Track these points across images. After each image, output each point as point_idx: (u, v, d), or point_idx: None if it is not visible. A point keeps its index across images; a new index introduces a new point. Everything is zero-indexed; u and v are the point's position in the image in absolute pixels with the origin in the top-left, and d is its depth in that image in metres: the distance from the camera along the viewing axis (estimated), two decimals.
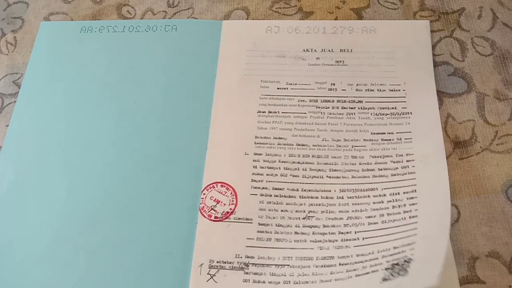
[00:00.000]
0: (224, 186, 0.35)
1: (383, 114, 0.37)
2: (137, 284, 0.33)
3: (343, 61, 0.39)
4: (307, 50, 0.40)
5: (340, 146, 0.36)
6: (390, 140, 0.36)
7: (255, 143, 0.36)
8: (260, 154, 0.36)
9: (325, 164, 0.35)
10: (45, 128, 0.40)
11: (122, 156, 0.38)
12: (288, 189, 0.34)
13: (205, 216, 0.34)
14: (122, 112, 0.39)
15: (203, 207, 0.35)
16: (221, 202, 0.35)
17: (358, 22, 0.40)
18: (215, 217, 0.34)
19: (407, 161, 0.35)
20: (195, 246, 0.33)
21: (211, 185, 0.35)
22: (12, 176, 0.38)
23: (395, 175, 0.34)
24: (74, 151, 0.38)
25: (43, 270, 0.34)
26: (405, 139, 0.35)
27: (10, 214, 0.37)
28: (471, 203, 0.34)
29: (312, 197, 0.34)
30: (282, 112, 0.37)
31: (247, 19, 0.42)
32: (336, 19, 0.41)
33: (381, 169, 0.35)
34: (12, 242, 0.35)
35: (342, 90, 0.38)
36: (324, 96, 0.38)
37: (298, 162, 0.35)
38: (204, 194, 0.35)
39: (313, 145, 0.36)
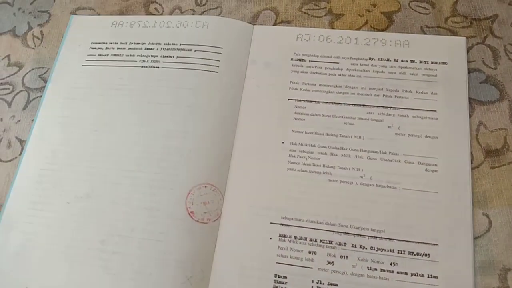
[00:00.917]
0: None
1: (416, 117, 0.37)
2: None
3: (373, 70, 0.38)
4: (338, 57, 0.39)
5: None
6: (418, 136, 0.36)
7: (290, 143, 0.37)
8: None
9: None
10: (70, 123, 0.39)
11: (148, 152, 0.37)
12: None
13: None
14: (148, 107, 0.39)
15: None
16: None
17: (391, 35, 0.40)
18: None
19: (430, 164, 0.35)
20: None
21: None
22: (36, 169, 0.38)
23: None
24: (99, 147, 0.38)
25: (64, 266, 0.34)
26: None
27: (34, 208, 0.37)
28: (503, 213, 0.33)
29: None
30: (312, 115, 0.37)
31: (275, 20, 0.42)
32: (366, 22, 0.41)
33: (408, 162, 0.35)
34: (36, 234, 0.35)
35: (375, 95, 0.37)
36: (352, 103, 0.37)
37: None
38: None
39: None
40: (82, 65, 0.42)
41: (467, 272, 0.31)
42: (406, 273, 0.32)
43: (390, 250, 0.32)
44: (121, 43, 0.42)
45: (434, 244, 0.32)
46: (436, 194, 0.34)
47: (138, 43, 0.42)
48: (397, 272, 0.32)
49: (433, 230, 0.33)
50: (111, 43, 0.42)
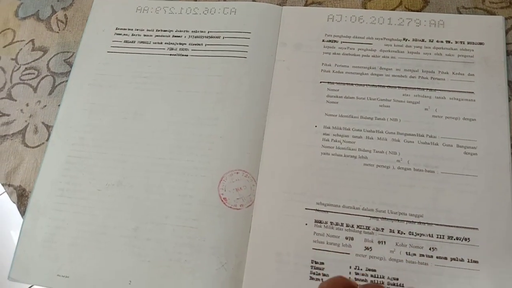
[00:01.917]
0: None
1: (453, 99, 0.35)
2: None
3: (408, 51, 0.37)
4: (371, 38, 0.38)
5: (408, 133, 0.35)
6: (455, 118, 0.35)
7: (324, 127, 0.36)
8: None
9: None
10: (98, 110, 0.39)
11: (179, 140, 0.37)
12: None
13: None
14: (178, 95, 0.38)
15: None
16: None
17: (426, 15, 0.38)
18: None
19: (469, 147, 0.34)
20: None
21: None
22: (63, 155, 0.37)
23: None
24: (129, 135, 0.37)
25: (96, 253, 0.34)
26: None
27: (62, 195, 0.36)
28: None
29: None
30: (345, 97, 0.36)
31: (306, 1, 0.41)
32: (400, 3, 0.40)
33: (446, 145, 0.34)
34: (66, 221, 0.35)
35: (411, 77, 0.36)
36: (387, 85, 0.36)
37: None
38: None
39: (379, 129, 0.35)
40: (108, 52, 0.41)
41: (509, 256, 0.30)
42: (445, 258, 0.31)
43: (429, 235, 0.32)
44: (147, 30, 0.41)
45: (474, 229, 0.31)
46: (475, 178, 0.33)
47: (165, 30, 0.41)
48: (437, 257, 0.31)
49: (473, 214, 0.32)
50: (137, 30, 0.41)
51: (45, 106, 0.40)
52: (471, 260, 0.31)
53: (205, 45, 0.39)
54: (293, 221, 0.33)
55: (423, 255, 0.31)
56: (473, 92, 0.35)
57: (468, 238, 0.31)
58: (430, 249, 0.31)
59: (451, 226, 0.32)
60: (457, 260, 0.31)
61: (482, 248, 0.31)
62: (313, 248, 0.32)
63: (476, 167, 0.33)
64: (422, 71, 0.36)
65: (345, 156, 0.34)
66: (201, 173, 0.35)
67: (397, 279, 0.31)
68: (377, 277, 0.31)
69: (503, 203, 0.32)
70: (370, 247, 0.32)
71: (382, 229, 0.32)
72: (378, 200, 0.33)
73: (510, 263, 0.30)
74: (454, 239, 0.31)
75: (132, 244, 0.33)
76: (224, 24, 0.40)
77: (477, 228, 0.31)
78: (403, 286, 0.31)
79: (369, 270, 0.31)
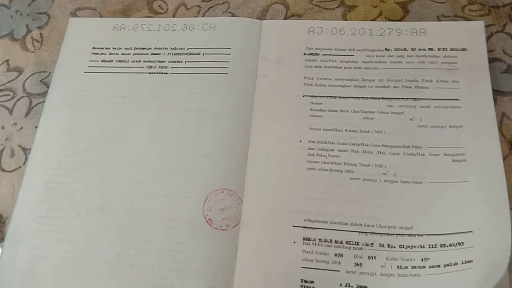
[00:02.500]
0: None
1: (438, 107, 0.35)
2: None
3: (390, 61, 0.37)
4: (352, 49, 0.38)
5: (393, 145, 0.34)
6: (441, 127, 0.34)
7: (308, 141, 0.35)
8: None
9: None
10: (77, 133, 0.38)
11: (161, 160, 0.36)
12: None
13: None
14: (159, 114, 0.37)
15: None
16: None
17: (406, 24, 0.38)
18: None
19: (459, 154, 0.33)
20: None
21: None
22: (42, 181, 0.36)
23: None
24: (109, 158, 0.36)
25: (78, 282, 0.33)
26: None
27: (42, 223, 0.35)
28: None
29: None
30: (329, 111, 0.36)
31: (286, 14, 0.40)
32: (380, 13, 0.39)
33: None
34: (47, 250, 0.34)
35: (394, 87, 0.36)
36: (371, 96, 0.36)
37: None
38: None
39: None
40: (85, 72, 0.40)
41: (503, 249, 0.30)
42: (438, 266, 0.30)
43: (421, 246, 0.31)
44: (125, 48, 0.40)
45: (468, 232, 0.31)
46: (466, 183, 0.32)
47: (143, 48, 0.40)
48: (429, 267, 0.30)
49: (467, 218, 0.31)
50: (115, 48, 0.40)
51: (21, 128, 0.39)
52: (465, 261, 0.30)
53: (185, 62, 0.39)
54: (280, 240, 0.32)
55: (415, 267, 0.31)
56: (458, 99, 0.35)
57: (462, 242, 0.31)
58: (422, 259, 0.31)
59: (444, 234, 0.31)
60: (450, 265, 0.30)
61: (477, 248, 0.30)
62: (302, 267, 0.32)
63: (466, 173, 0.32)
64: (406, 81, 0.36)
65: (330, 170, 0.34)
66: (184, 194, 0.34)
67: None
68: None
69: (498, 201, 0.31)
70: (360, 263, 0.31)
71: (372, 244, 0.32)
72: (366, 214, 0.33)
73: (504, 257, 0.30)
74: (447, 246, 0.31)
75: (115, 271, 0.32)
76: (203, 40, 0.39)
77: (471, 231, 0.31)
78: None
79: (360, 286, 0.31)
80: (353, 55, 0.38)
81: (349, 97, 0.36)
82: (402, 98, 0.36)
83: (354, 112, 0.36)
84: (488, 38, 0.38)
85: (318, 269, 0.31)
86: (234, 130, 0.36)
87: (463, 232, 0.31)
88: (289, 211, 0.33)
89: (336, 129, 0.35)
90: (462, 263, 0.30)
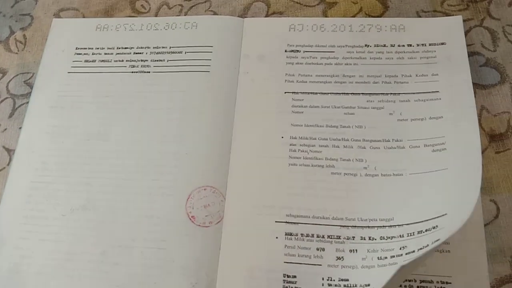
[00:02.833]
0: None
1: (418, 101, 0.36)
2: None
3: (370, 57, 0.37)
4: (333, 46, 0.38)
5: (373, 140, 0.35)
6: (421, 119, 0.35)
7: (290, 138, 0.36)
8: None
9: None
10: (60, 133, 0.38)
11: (144, 159, 0.36)
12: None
13: None
14: (142, 113, 0.38)
15: None
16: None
17: (386, 20, 0.39)
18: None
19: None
20: None
21: None
22: (26, 181, 0.36)
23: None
24: (93, 157, 0.36)
25: (64, 281, 0.33)
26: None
27: (26, 223, 0.35)
28: (511, 198, 0.33)
29: None
30: (310, 107, 0.36)
31: (267, 11, 0.41)
32: (360, 9, 0.40)
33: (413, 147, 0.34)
34: (31, 250, 0.34)
35: (374, 83, 0.36)
36: (351, 92, 0.36)
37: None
38: None
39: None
40: (68, 72, 0.40)
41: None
42: (413, 251, 0.30)
43: (400, 235, 0.31)
44: (108, 48, 0.40)
45: (442, 216, 0.30)
46: (445, 171, 0.32)
47: (126, 48, 0.40)
48: (406, 254, 0.30)
49: (442, 203, 0.31)
50: (97, 48, 0.41)
51: (5, 129, 0.39)
52: (435, 241, 0.30)
53: (167, 60, 0.39)
54: (263, 235, 0.33)
55: (393, 256, 0.31)
56: (438, 91, 0.35)
57: (436, 226, 0.31)
58: (400, 248, 0.31)
59: (421, 221, 0.31)
60: (423, 248, 0.30)
61: (447, 229, 0.30)
62: (284, 262, 0.32)
63: (445, 161, 0.33)
64: (385, 76, 0.37)
65: (312, 166, 0.34)
66: (167, 192, 0.34)
67: (369, 285, 0.31)
68: (350, 286, 0.31)
69: (472, 183, 0.31)
70: (342, 257, 0.32)
71: (353, 237, 0.32)
72: (347, 208, 0.33)
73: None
74: (423, 232, 0.31)
75: (100, 270, 0.33)
76: (185, 39, 0.40)
77: (445, 214, 0.31)
78: None
79: (342, 280, 0.31)
80: (333, 52, 0.38)
81: (330, 93, 0.37)
82: (382, 93, 0.36)
83: (335, 107, 0.36)
84: (467, 32, 0.38)
85: (301, 263, 0.32)
86: (217, 128, 0.36)
87: (438, 216, 0.31)
88: (271, 206, 0.33)
89: (317, 124, 0.36)
90: (432, 243, 0.30)
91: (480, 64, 0.37)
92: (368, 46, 0.38)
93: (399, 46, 0.38)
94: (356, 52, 0.38)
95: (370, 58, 0.37)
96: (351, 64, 0.37)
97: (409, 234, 0.31)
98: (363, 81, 0.37)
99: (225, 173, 0.35)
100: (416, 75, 0.36)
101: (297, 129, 0.36)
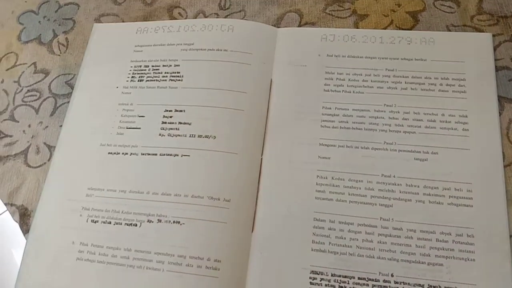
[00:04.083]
0: None
1: (444, 115, 0.36)
2: None
3: (399, 69, 0.38)
4: (362, 57, 0.39)
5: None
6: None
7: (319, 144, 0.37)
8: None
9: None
10: (98, 129, 0.40)
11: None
12: None
13: None
14: (172, 112, 0.39)
15: None
16: None
17: (416, 33, 0.40)
18: None
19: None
20: None
21: None
22: (65, 175, 0.38)
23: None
24: (125, 155, 0.38)
25: (97, 267, 0.35)
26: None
27: (66, 215, 0.37)
28: None
29: None
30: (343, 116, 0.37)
31: (300, 21, 0.42)
32: (391, 22, 0.41)
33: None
34: (69, 241, 0.36)
35: (402, 94, 0.37)
36: (379, 104, 0.37)
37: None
38: None
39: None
40: (106, 72, 0.42)
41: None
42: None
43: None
44: (145, 50, 0.43)
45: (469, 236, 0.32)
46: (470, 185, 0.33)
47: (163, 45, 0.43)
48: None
49: (469, 224, 0.32)
50: (135, 51, 0.43)
51: (46, 127, 0.41)
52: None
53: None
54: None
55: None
56: (465, 110, 0.36)
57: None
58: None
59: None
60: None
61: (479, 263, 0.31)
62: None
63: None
64: (411, 89, 0.37)
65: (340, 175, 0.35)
66: None
67: None
68: None
69: (498, 214, 0.32)
70: None
71: None
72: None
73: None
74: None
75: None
76: (222, 41, 0.41)
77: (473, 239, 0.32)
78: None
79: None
80: (365, 62, 0.39)
81: (359, 104, 0.37)
82: (409, 107, 0.37)
83: (363, 117, 0.37)
84: (496, 47, 0.39)
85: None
86: (251, 129, 0.37)
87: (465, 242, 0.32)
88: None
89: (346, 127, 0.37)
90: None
91: (509, 79, 0.38)
92: (397, 59, 0.39)
93: (428, 59, 0.38)
94: (387, 63, 0.39)
95: (399, 70, 0.38)
96: (379, 75, 0.38)
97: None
98: (390, 93, 0.37)
99: None
100: (444, 91, 0.37)
101: (326, 130, 0.37)
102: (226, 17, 0.43)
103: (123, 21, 0.45)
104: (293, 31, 0.41)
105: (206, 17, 0.44)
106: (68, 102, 0.42)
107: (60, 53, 0.45)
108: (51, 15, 0.47)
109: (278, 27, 0.42)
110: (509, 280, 0.30)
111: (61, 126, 0.41)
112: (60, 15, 0.47)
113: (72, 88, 0.42)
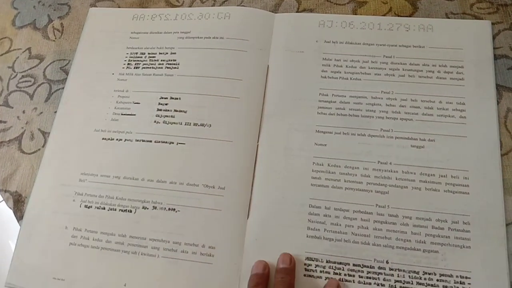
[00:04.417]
0: None
1: (442, 103, 0.36)
2: None
3: (397, 56, 0.38)
4: (360, 44, 0.38)
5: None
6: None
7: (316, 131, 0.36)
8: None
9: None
10: (93, 115, 0.39)
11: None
12: None
13: None
14: (167, 99, 0.39)
15: None
16: None
17: (414, 20, 0.39)
18: None
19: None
20: None
21: None
22: (59, 161, 0.38)
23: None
24: (119, 141, 0.38)
25: (90, 252, 0.35)
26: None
27: (59, 201, 0.36)
28: None
29: None
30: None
31: (298, 8, 0.42)
32: (390, 9, 0.40)
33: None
34: (62, 226, 0.36)
35: (399, 81, 0.37)
36: (377, 91, 0.37)
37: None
38: None
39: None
40: (102, 58, 0.42)
41: (501, 257, 0.31)
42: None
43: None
44: (141, 37, 0.42)
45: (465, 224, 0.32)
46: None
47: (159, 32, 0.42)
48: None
49: (465, 211, 0.32)
50: (131, 37, 0.42)
51: (41, 113, 0.41)
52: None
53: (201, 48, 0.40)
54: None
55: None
56: (463, 97, 0.36)
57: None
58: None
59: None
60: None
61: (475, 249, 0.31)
62: None
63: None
64: (409, 76, 0.37)
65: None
66: None
67: None
68: None
69: (494, 204, 0.32)
70: None
71: None
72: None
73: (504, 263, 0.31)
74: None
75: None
76: (219, 29, 0.41)
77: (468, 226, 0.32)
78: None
79: None
80: (362, 49, 0.39)
81: (356, 91, 0.37)
82: (407, 94, 0.36)
83: (360, 103, 0.37)
84: (496, 35, 0.38)
85: None
86: (247, 117, 0.37)
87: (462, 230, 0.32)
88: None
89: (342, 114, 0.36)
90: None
91: (508, 67, 0.37)
92: (395, 45, 0.38)
93: (426, 46, 0.38)
94: (384, 50, 0.38)
95: (397, 57, 0.38)
96: (377, 62, 0.38)
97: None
98: (387, 80, 0.37)
99: None
100: (442, 78, 0.37)
101: (323, 117, 0.36)
102: (223, 3, 0.43)
103: (119, 7, 0.45)
104: (291, 17, 0.41)
105: (203, 3, 0.43)
106: (63, 88, 0.41)
107: (55, 38, 0.44)
108: (46, 0, 0.46)
109: (276, 13, 0.41)
110: (505, 268, 0.30)
111: (55, 112, 0.40)
112: (56, 0, 0.46)
113: (67, 74, 0.42)
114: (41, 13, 0.46)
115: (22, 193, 0.38)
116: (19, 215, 0.37)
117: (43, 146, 0.39)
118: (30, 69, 0.43)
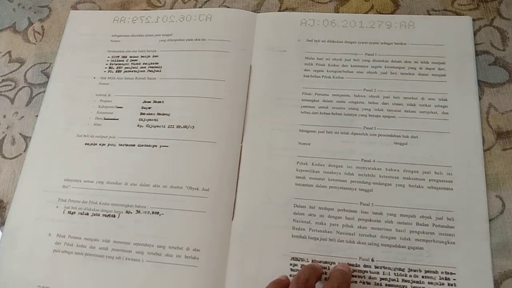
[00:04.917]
0: None
1: (424, 99, 0.36)
2: None
3: (379, 53, 0.38)
4: (342, 42, 0.38)
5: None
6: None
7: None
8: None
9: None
10: (75, 119, 0.39)
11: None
12: None
13: None
14: (150, 103, 0.39)
15: None
16: None
17: (396, 17, 0.39)
18: None
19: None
20: None
21: None
22: (41, 167, 0.37)
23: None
24: (102, 146, 0.38)
25: (74, 259, 0.34)
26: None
27: (42, 206, 0.36)
28: None
29: None
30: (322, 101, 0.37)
31: (280, 7, 0.42)
32: (372, 7, 0.40)
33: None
34: (45, 232, 0.35)
35: (382, 80, 0.37)
36: (359, 89, 0.37)
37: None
38: None
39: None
40: (83, 61, 0.41)
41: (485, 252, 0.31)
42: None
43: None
44: (122, 40, 0.42)
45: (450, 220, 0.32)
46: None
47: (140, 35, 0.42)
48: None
49: (449, 207, 0.32)
50: (112, 40, 0.42)
51: (22, 117, 0.40)
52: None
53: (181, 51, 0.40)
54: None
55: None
56: (445, 93, 0.36)
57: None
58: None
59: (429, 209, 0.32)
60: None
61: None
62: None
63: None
64: (391, 73, 0.37)
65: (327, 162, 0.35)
66: None
67: None
68: None
69: (477, 200, 0.32)
70: None
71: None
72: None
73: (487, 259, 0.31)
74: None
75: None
76: (200, 31, 0.40)
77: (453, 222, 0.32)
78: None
79: None
80: (345, 47, 0.39)
81: (339, 89, 0.37)
82: (389, 91, 0.36)
83: (343, 102, 0.37)
84: (477, 31, 0.39)
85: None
86: (230, 117, 0.37)
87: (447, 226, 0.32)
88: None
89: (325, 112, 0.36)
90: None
91: (489, 63, 0.37)
92: (377, 43, 0.38)
93: (407, 43, 0.38)
94: (366, 48, 0.38)
95: (378, 55, 0.38)
96: (359, 60, 0.38)
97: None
98: (369, 78, 0.37)
99: None
100: (424, 74, 0.37)
101: (308, 116, 0.36)
102: (205, 3, 0.42)
103: (100, 9, 0.44)
104: (272, 16, 0.41)
105: (184, 3, 0.43)
106: (44, 91, 0.41)
107: (36, 41, 0.44)
108: (26, 2, 0.46)
109: (258, 13, 0.41)
110: (489, 263, 0.31)
111: (37, 116, 0.40)
112: (36, 2, 0.46)
113: (48, 77, 0.41)
114: (21, 16, 0.45)
115: (3, 199, 0.37)
116: (0, 221, 0.36)
117: (24, 151, 0.39)
118: (10, 72, 0.43)
